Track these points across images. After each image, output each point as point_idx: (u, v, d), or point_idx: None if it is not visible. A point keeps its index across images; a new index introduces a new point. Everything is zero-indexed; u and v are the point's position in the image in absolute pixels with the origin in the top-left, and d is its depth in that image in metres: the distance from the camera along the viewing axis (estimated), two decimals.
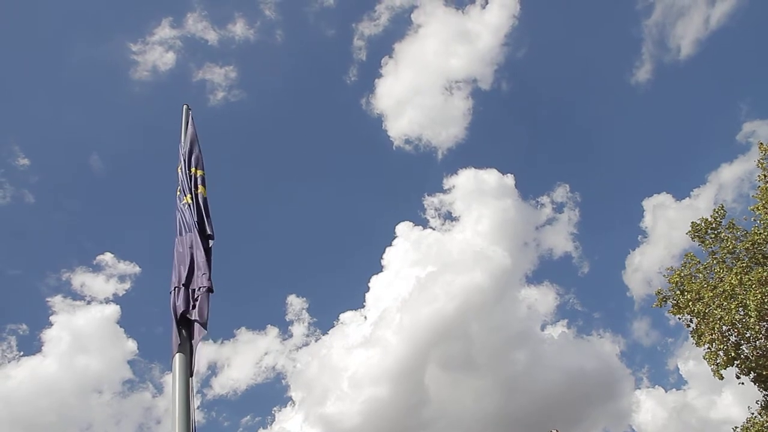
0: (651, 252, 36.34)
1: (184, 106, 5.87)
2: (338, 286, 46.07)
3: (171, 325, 3.40)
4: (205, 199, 4.75)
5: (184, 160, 5.18)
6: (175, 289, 3.70)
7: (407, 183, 47.10)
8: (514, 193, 39.59)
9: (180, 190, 4.81)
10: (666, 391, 34.48)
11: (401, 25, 44.23)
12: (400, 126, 42.44)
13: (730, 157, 43.58)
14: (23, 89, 38.87)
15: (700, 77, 43.48)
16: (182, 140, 5.45)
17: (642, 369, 41.54)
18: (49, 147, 39.72)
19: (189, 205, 4.58)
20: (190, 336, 3.40)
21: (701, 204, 35.71)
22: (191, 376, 3.39)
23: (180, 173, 4.99)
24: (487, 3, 40.91)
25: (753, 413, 17.55)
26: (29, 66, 38.75)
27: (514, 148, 48.69)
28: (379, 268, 37.96)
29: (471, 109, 42.13)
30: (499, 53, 41.52)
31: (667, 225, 35.02)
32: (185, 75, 40.48)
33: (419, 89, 42.14)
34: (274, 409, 34.90)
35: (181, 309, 3.48)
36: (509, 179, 38.86)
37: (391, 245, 36.38)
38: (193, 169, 5.11)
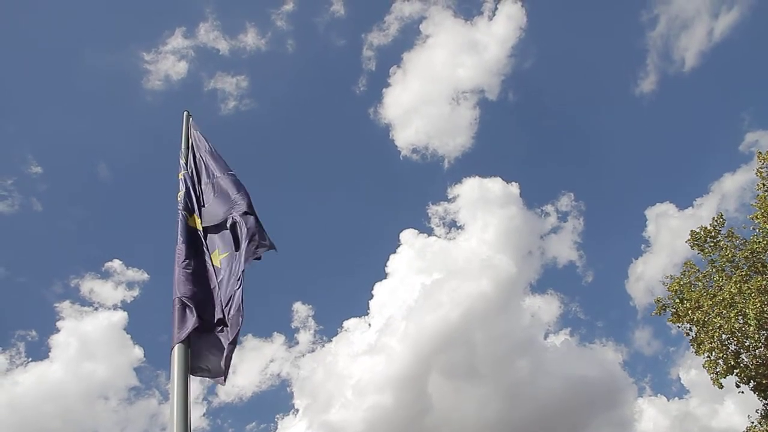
0: (654, 261, 36.34)
1: (185, 113, 5.90)
2: (343, 293, 46.27)
3: (173, 315, 3.54)
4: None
5: (195, 172, 5.23)
6: (177, 299, 3.70)
7: (414, 192, 47.38)
8: (519, 201, 39.72)
9: (182, 198, 4.73)
10: (668, 400, 34.39)
11: (410, 36, 44.69)
12: (407, 135, 42.80)
13: (732, 167, 43.58)
14: (38, 97, 39.45)
15: (704, 88, 43.66)
16: (182, 146, 5.48)
17: (645, 378, 41.43)
18: (61, 155, 40.25)
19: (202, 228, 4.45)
20: (191, 329, 3.53)
21: (704, 213, 35.77)
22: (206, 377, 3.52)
23: (185, 183, 4.93)
24: (494, 15, 41.30)
25: (753, 422, 17.54)
26: (44, 74, 39.34)
27: (519, 157, 48.93)
28: (383, 275, 38.11)
29: (478, 119, 42.44)
30: (506, 64, 41.85)
31: (670, 234, 35.04)
32: (197, 84, 41.04)
33: (427, 99, 42.50)
34: (277, 416, 34.93)
35: (187, 327, 3.51)
36: (514, 188, 39.03)
37: (395, 252, 36.55)
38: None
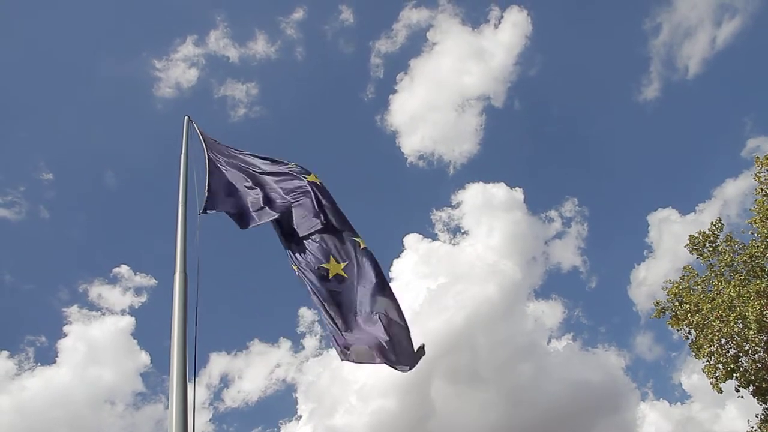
0: (656, 267, 36.38)
1: (185, 117, 5.74)
2: None
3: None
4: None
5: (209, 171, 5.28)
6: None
7: (419, 198, 47.74)
8: (523, 207, 39.99)
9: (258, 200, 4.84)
10: (670, 405, 34.34)
11: (417, 43, 45.33)
12: (413, 142, 43.34)
13: (734, 173, 43.79)
14: (50, 104, 40.15)
15: (707, 95, 44.05)
16: (182, 150, 5.38)
17: (647, 383, 41.31)
18: (72, 162, 40.81)
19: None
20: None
21: (706, 219, 35.86)
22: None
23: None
24: (500, 23, 41.93)
25: (753, 426, 17.52)
26: (56, 82, 40.04)
27: (523, 163, 49.31)
28: (387, 280, 38.27)
29: (483, 126, 42.91)
30: (511, 72, 42.41)
31: (672, 240, 35.13)
32: (207, 91, 41.72)
33: (433, 106, 43.07)
34: (281, 421, 35.06)
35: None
36: (518, 193, 39.31)
37: (399, 257, 36.81)
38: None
